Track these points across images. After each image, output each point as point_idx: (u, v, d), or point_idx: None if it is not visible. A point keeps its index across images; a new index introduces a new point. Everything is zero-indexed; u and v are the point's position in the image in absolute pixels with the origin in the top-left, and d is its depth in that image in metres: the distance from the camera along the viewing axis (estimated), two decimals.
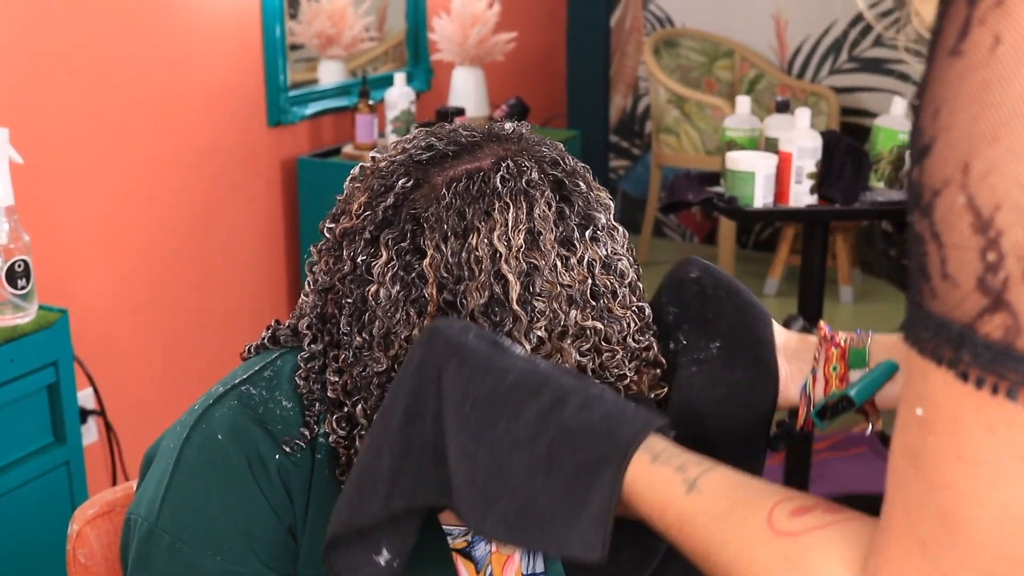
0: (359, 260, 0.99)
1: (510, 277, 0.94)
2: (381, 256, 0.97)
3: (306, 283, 1.06)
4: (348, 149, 3.48)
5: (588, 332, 0.97)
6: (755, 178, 2.76)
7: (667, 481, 0.70)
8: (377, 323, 0.97)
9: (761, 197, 2.76)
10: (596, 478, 0.71)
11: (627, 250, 1.03)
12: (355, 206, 1.01)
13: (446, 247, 0.96)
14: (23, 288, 2.11)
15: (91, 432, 2.74)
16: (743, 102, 3.07)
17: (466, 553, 1.10)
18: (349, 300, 1.00)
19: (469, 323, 0.86)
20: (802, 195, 2.78)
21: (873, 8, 3.85)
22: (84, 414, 2.60)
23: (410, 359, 0.83)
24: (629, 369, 1.00)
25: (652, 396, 1.01)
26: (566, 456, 0.72)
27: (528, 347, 0.96)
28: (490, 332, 0.85)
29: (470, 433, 0.76)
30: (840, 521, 0.60)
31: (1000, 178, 0.45)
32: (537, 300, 0.95)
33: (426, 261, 0.96)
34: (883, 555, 0.54)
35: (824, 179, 2.83)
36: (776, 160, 2.79)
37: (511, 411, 0.76)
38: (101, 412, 2.67)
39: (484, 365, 0.79)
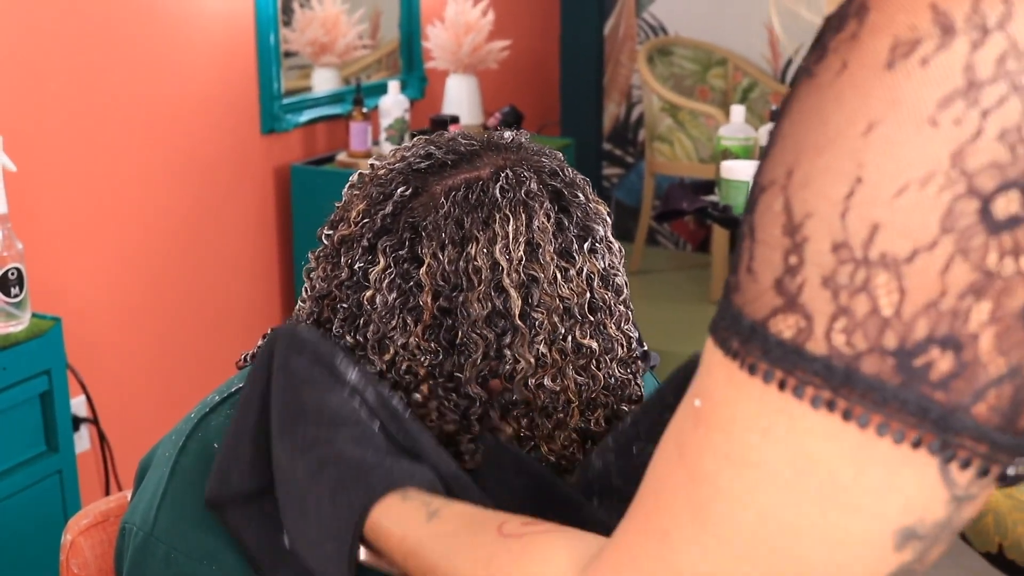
0: (356, 267, 0.99)
1: (511, 291, 0.94)
2: (379, 263, 0.97)
3: (303, 290, 1.06)
4: (342, 157, 3.48)
5: (584, 350, 0.97)
6: (749, 187, 2.75)
7: (411, 512, 0.78)
8: (372, 327, 0.97)
9: None
10: (349, 511, 0.80)
11: (622, 266, 1.03)
12: (353, 213, 1.00)
13: (443, 255, 0.95)
14: (16, 296, 2.11)
15: (83, 440, 2.73)
16: (738, 111, 3.07)
17: None
18: (344, 305, 0.99)
19: (311, 337, 0.93)
20: None
21: None
22: (77, 422, 2.60)
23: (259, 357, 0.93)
24: (613, 399, 1.00)
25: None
26: (338, 490, 0.82)
27: (532, 361, 0.95)
28: (328, 352, 0.92)
29: (280, 436, 0.87)
30: (570, 530, 0.64)
31: (816, 190, 0.47)
32: (536, 312, 0.95)
33: (423, 269, 0.95)
34: (620, 539, 0.54)
35: None
36: None
37: (312, 435, 0.85)
38: (94, 420, 2.66)
39: (313, 382, 0.88)
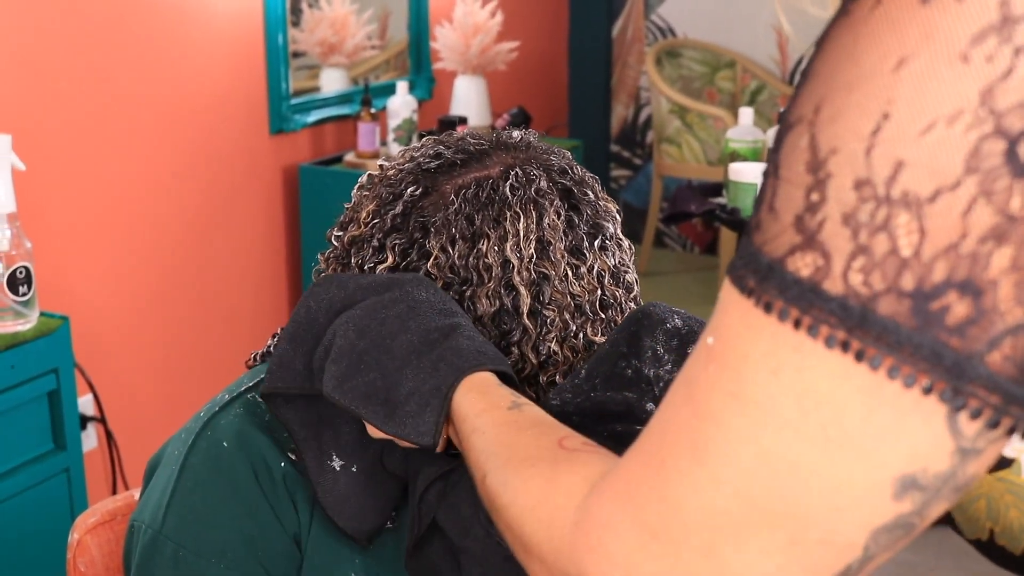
0: (367, 267, 0.99)
1: (521, 289, 0.94)
2: (388, 260, 0.98)
3: None
4: (350, 157, 3.48)
5: (595, 347, 0.97)
6: (758, 189, 2.75)
7: (499, 395, 0.82)
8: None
9: None
10: (443, 377, 0.85)
11: (632, 263, 1.04)
12: (363, 214, 1.00)
13: (453, 249, 0.95)
14: (24, 295, 2.11)
15: (91, 439, 2.74)
16: (746, 113, 3.07)
17: None
18: None
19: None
20: None
21: None
22: (84, 421, 2.60)
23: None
24: None
25: None
26: (437, 363, 0.85)
27: (537, 360, 0.95)
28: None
29: (367, 310, 0.89)
30: (611, 456, 0.66)
31: (843, 126, 0.46)
32: (547, 310, 0.95)
33: (430, 262, 0.96)
34: (622, 466, 0.55)
35: None
36: None
37: (413, 314, 0.89)
38: (101, 419, 2.67)
39: (400, 285, 0.92)
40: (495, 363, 0.86)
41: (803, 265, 0.47)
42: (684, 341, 0.90)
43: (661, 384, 0.88)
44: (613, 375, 0.89)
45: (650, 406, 0.87)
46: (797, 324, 0.47)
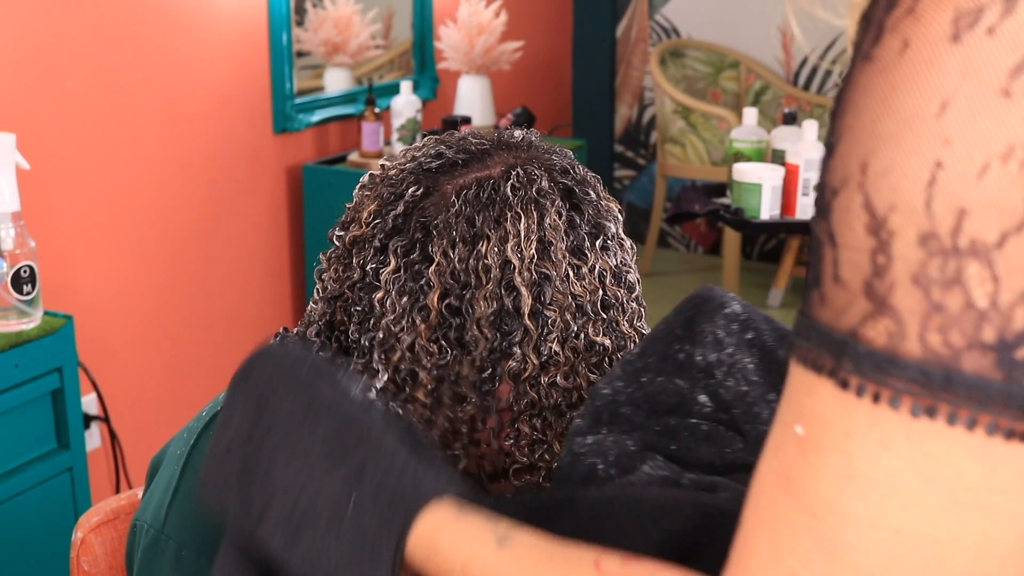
0: (368, 268, 0.99)
1: (522, 289, 0.94)
2: (390, 264, 0.97)
3: (315, 291, 1.06)
4: (354, 157, 3.48)
5: (598, 347, 0.97)
6: (762, 190, 2.76)
7: (474, 533, 0.66)
8: (382, 327, 0.97)
9: (768, 209, 2.76)
10: (387, 531, 0.68)
11: (635, 263, 1.03)
12: (365, 214, 1.00)
13: (454, 253, 0.95)
14: (29, 294, 2.11)
15: (94, 438, 2.74)
16: (750, 113, 3.07)
17: None
18: (358, 308, 0.99)
19: (302, 350, 0.83)
20: (809, 207, 2.78)
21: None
22: (88, 420, 2.60)
23: (240, 376, 0.82)
24: None
25: None
26: (366, 514, 0.69)
27: (538, 361, 0.95)
28: (324, 361, 0.82)
29: (295, 465, 0.74)
30: (673, 569, 0.59)
31: (899, 178, 0.44)
32: (548, 311, 0.95)
33: (432, 267, 0.95)
34: None
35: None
36: (783, 172, 2.79)
37: (331, 457, 0.73)
38: (105, 418, 2.67)
39: (322, 402, 0.76)
40: (430, 485, 0.71)
41: (876, 334, 0.45)
42: (744, 326, 0.86)
43: (723, 368, 0.84)
44: (667, 356, 0.86)
45: (702, 397, 0.84)
46: (876, 398, 0.45)
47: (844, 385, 0.46)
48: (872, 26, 0.47)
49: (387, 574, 0.67)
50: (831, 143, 0.48)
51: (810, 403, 0.48)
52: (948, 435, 0.44)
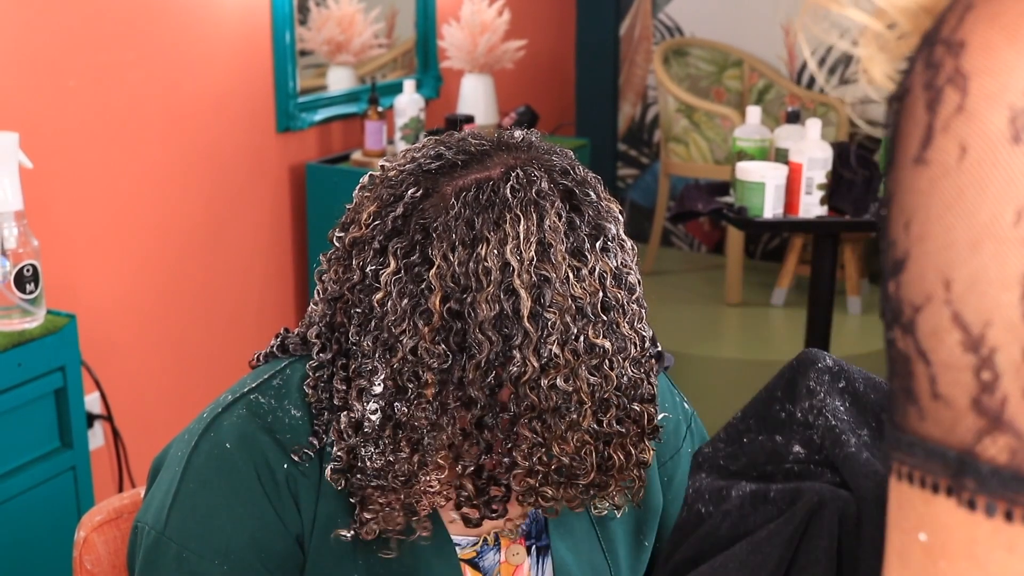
0: (368, 270, 0.98)
1: (521, 292, 0.94)
2: (389, 265, 0.97)
3: (315, 292, 1.06)
4: (357, 156, 3.48)
5: (597, 349, 0.97)
6: (765, 189, 2.75)
7: None
8: (383, 329, 0.97)
9: (771, 208, 2.76)
10: None
11: (635, 264, 1.03)
12: (364, 216, 1.00)
13: (453, 256, 0.95)
14: (32, 293, 2.11)
15: (97, 437, 2.74)
16: (753, 112, 3.06)
17: (474, 563, 1.10)
18: (358, 310, 0.99)
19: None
20: (812, 206, 2.77)
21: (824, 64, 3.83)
22: (91, 419, 2.61)
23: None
24: (625, 399, 1.00)
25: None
26: None
27: (538, 363, 0.95)
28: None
29: None
30: None
31: (986, 294, 0.43)
32: (548, 313, 0.95)
33: (433, 271, 0.95)
34: None
35: (834, 190, 2.83)
36: (786, 171, 2.78)
37: None
38: (108, 417, 2.67)
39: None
40: None
41: (997, 451, 0.43)
42: (835, 376, 0.89)
43: (815, 412, 0.87)
44: (768, 416, 0.89)
45: (796, 448, 0.87)
46: (1009, 516, 0.44)
47: (971, 505, 0.44)
48: (914, 124, 0.45)
49: None
50: (898, 259, 0.46)
51: (928, 512, 0.46)
52: None
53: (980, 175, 0.42)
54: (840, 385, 0.88)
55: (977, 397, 0.43)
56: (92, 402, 2.64)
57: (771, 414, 0.89)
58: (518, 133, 1.04)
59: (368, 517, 0.99)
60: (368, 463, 0.98)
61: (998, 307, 0.43)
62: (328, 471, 1.00)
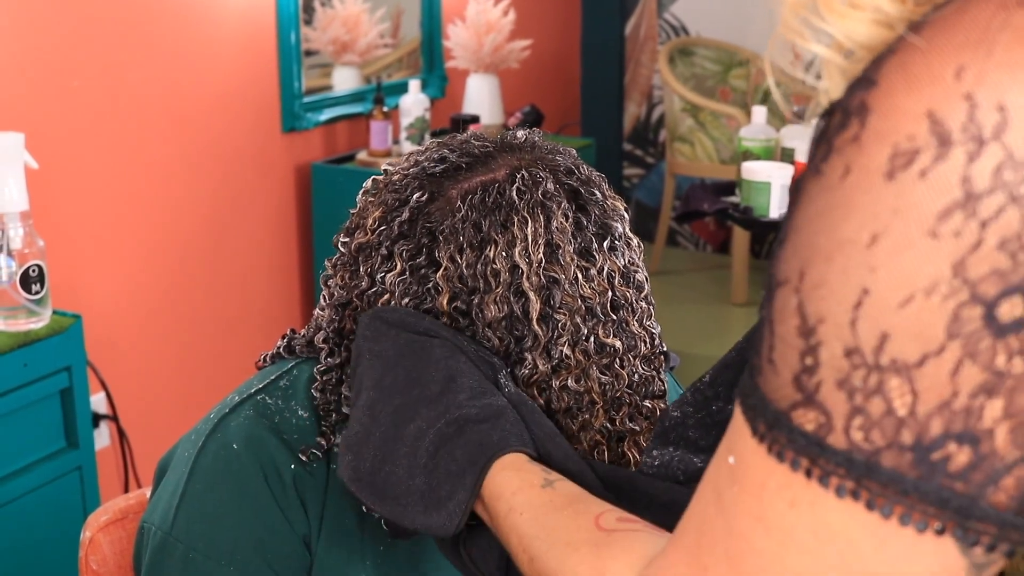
0: (377, 277, 0.98)
1: (530, 294, 0.94)
2: (396, 268, 0.97)
3: (321, 296, 1.05)
4: (362, 156, 3.48)
5: (608, 349, 0.96)
6: (771, 188, 2.75)
7: (531, 473, 0.83)
8: None
9: (777, 207, 2.76)
10: (473, 457, 0.84)
11: (642, 261, 1.03)
12: (369, 221, 1.00)
13: (461, 258, 0.95)
14: (37, 293, 2.11)
15: (103, 437, 2.74)
16: (759, 112, 3.06)
17: None
18: None
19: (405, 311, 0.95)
20: None
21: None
22: (96, 419, 2.61)
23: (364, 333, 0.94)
24: (637, 396, 1.00)
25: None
26: (448, 447, 0.86)
27: (549, 365, 0.95)
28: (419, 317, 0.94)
29: (382, 393, 0.90)
30: (653, 531, 0.70)
31: (827, 296, 0.48)
32: (558, 314, 0.94)
33: (440, 272, 0.95)
34: (668, 560, 0.57)
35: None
36: (792, 170, 2.78)
37: (420, 396, 0.88)
38: (114, 417, 2.67)
39: (414, 347, 0.91)
40: (526, 445, 0.87)
41: (806, 420, 0.49)
42: None
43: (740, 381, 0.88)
44: (737, 383, 0.88)
45: None
46: (808, 473, 0.49)
47: (780, 456, 0.50)
48: (824, 140, 0.50)
49: (466, 498, 0.83)
50: (781, 237, 0.52)
51: (741, 444, 0.53)
52: (852, 515, 0.49)
53: (852, 197, 0.48)
54: None
55: (798, 375, 0.50)
56: (98, 402, 2.64)
57: (739, 381, 0.88)
58: (520, 133, 1.04)
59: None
60: None
61: (833, 311, 0.48)
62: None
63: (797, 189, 0.52)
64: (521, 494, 0.81)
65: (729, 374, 0.88)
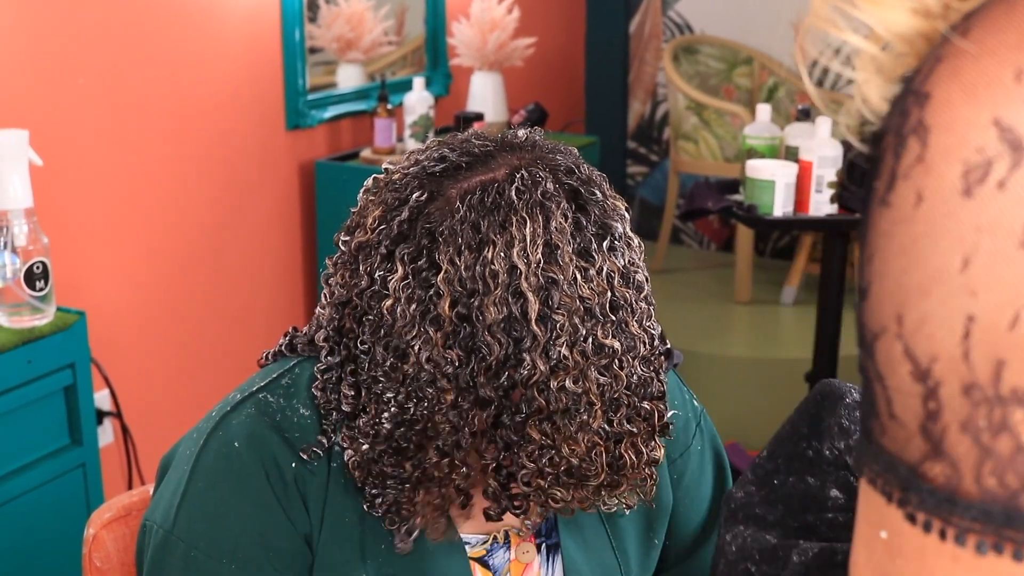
0: (376, 276, 0.98)
1: (529, 295, 0.93)
2: (397, 271, 0.96)
3: (322, 295, 1.05)
4: (366, 153, 3.48)
5: (607, 350, 0.96)
6: (775, 187, 2.74)
7: None
8: (394, 335, 0.96)
9: (781, 206, 2.75)
10: None
11: (643, 261, 1.02)
12: (369, 220, 1.00)
13: (460, 260, 0.94)
14: (42, 290, 2.12)
15: (107, 434, 2.75)
16: (763, 110, 3.06)
17: (484, 562, 1.10)
18: (369, 317, 0.99)
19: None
20: (822, 204, 2.77)
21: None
22: (100, 416, 2.61)
23: None
24: (635, 397, 1.00)
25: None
26: None
27: (548, 366, 0.94)
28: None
29: None
30: None
31: (933, 333, 0.45)
32: (556, 315, 0.94)
33: (440, 275, 0.95)
34: None
35: (844, 188, 2.82)
36: (796, 169, 2.78)
37: None
38: (117, 414, 2.68)
39: None
40: None
41: (936, 474, 0.47)
42: None
43: (851, 452, 0.87)
44: (795, 455, 0.89)
45: (834, 492, 0.87)
46: (943, 535, 0.46)
47: (912, 519, 0.47)
48: (884, 169, 0.47)
49: None
50: (863, 286, 0.49)
51: (887, 514, 0.49)
52: (1006, 571, 0.46)
53: (933, 224, 0.45)
54: None
55: (924, 423, 0.46)
56: (102, 399, 2.64)
57: (798, 452, 0.89)
58: (521, 132, 1.04)
59: (412, 518, 1.00)
60: (389, 469, 0.98)
61: (943, 346, 0.45)
62: (350, 464, 1.00)
63: (864, 233, 0.49)
64: None
65: (786, 447, 0.88)
